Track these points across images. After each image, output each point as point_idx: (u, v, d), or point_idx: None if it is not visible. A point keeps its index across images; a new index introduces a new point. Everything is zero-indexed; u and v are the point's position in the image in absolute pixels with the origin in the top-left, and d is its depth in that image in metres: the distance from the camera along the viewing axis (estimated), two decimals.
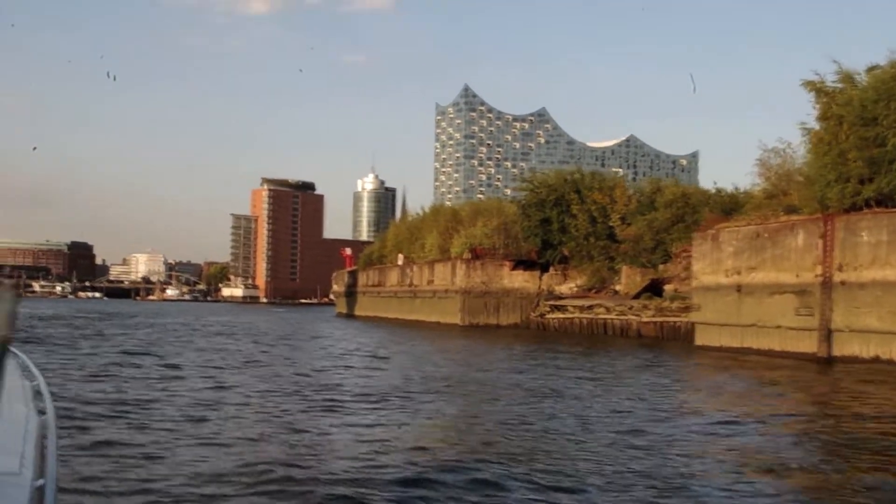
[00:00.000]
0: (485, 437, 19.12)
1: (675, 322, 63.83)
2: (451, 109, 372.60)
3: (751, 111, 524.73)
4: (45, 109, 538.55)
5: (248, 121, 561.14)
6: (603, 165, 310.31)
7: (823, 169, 42.56)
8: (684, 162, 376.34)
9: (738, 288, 47.65)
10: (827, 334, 41.58)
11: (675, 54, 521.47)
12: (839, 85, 44.29)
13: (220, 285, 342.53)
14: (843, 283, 40.87)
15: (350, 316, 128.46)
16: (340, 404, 24.13)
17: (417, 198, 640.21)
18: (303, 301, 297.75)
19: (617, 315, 71.31)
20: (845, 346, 40.83)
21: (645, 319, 67.43)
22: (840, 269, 40.95)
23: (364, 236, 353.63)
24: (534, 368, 36.77)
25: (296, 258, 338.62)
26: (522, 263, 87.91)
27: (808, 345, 42.63)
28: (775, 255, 45.13)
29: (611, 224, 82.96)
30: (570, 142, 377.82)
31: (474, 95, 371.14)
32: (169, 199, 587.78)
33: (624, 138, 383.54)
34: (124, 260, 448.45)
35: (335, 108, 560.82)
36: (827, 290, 41.57)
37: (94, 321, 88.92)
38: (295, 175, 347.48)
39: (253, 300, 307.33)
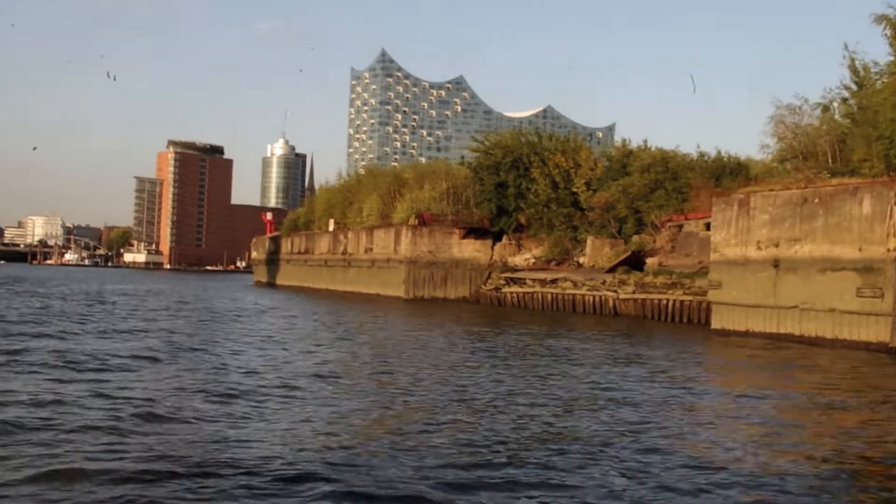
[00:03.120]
0: None
1: (659, 300, 56.74)
2: (367, 74, 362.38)
3: (668, 82, 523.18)
4: None
5: (154, 81, 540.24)
6: None
7: None
8: (601, 134, 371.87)
9: (776, 263, 40.29)
10: None
11: (593, 26, 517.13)
12: None
13: (121, 250, 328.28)
14: None
15: (271, 285, 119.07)
16: None
17: (329, 165, 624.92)
18: (209, 268, 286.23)
19: (588, 290, 63.83)
20: None
21: (623, 296, 60.08)
22: None
23: (272, 202, 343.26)
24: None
25: (202, 224, 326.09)
26: (474, 231, 79.94)
27: (874, 332, 35.50)
28: (829, 224, 37.78)
29: (574, 190, 75.44)
30: (487, 111, 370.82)
31: (391, 61, 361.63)
32: (68, 160, 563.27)
33: (541, 108, 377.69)
34: (20, 223, 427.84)
35: (246, 73, 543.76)
36: None
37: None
38: (203, 138, 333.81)
39: (156, 266, 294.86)
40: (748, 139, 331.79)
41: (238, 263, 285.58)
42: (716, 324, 44.36)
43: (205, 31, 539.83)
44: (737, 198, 43.63)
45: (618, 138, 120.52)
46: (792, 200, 39.96)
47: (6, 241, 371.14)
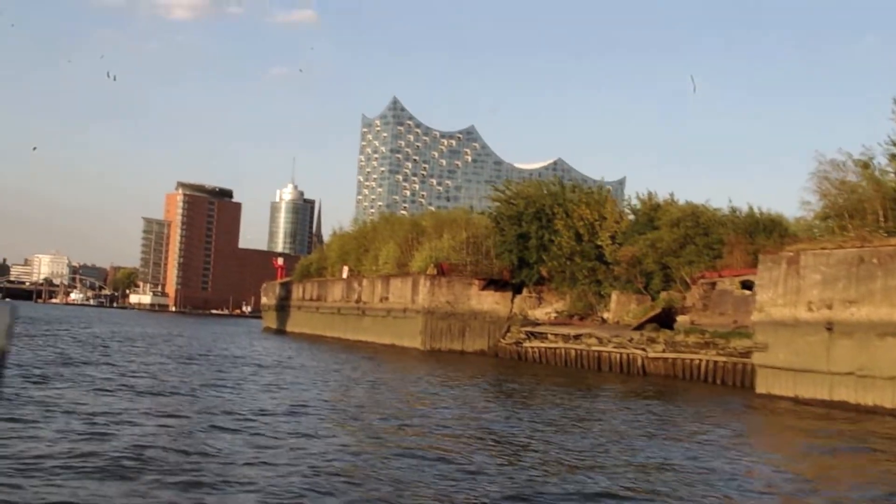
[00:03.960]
0: None
1: (692, 360, 54.49)
2: (378, 122, 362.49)
3: (675, 138, 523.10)
4: None
5: (165, 124, 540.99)
6: None
7: None
8: (610, 189, 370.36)
9: (829, 326, 38.14)
10: None
11: (602, 79, 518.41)
12: None
13: (127, 291, 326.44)
14: None
15: (281, 332, 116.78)
16: None
17: (338, 212, 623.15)
18: (214, 312, 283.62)
19: (615, 347, 61.60)
20: None
21: (653, 355, 57.81)
22: None
23: (280, 247, 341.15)
24: None
25: (209, 267, 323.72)
26: (494, 283, 77.80)
27: None
28: (889, 286, 35.72)
29: (598, 243, 73.45)
30: (498, 162, 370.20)
31: (402, 109, 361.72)
32: (76, 199, 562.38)
33: (552, 161, 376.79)
34: (26, 260, 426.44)
35: (257, 117, 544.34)
36: None
37: None
38: (212, 181, 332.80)
39: (162, 308, 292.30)
40: (765, 195, 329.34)
41: (244, 308, 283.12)
42: (760, 388, 42.09)
43: (217, 74, 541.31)
44: (785, 255, 41.59)
45: (628, 193, 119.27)
46: (847, 260, 37.92)
47: (12, 278, 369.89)
